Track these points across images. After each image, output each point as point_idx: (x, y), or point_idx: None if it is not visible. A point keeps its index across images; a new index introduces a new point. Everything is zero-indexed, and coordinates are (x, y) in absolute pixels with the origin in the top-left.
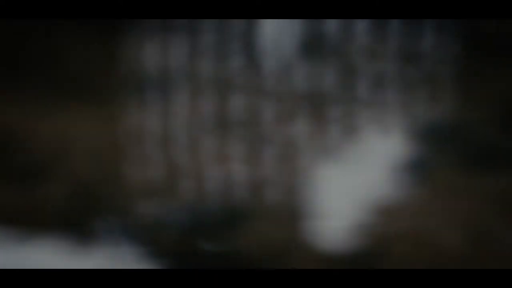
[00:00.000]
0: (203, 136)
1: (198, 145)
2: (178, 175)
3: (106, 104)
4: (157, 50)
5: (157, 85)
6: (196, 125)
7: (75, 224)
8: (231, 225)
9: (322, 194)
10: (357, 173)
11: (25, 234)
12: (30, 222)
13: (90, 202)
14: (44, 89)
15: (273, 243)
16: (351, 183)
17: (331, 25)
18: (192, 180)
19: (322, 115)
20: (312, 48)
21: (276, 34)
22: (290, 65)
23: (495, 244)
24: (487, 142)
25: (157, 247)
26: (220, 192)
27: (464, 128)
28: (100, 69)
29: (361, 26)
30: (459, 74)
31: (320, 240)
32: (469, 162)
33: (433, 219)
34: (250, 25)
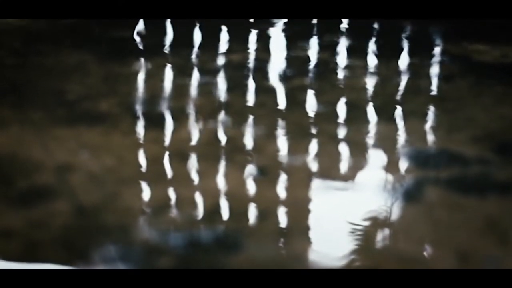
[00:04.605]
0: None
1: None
2: (179, 198)
3: (107, 126)
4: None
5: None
6: (195, 148)
7: (75, 247)
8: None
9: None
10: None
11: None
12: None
13: (90, 225)
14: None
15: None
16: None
17: None
18: (191, 204)
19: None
20: None
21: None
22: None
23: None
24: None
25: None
26: (218, 215)
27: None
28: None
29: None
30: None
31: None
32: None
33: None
34: None
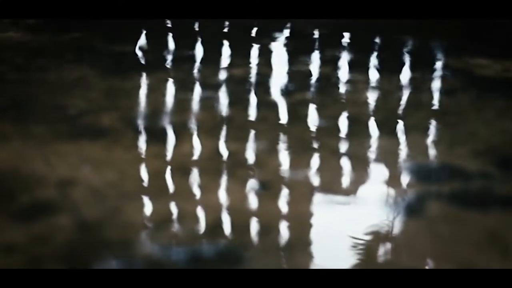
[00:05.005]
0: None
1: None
2: (181, 213)
3: (109, 140)
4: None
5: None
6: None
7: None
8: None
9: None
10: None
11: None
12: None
13: (93, 239)
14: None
15: None
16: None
17: None
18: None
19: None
20: None
21: None
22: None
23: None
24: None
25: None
26: (220, 229)
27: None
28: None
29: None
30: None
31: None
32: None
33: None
34: None
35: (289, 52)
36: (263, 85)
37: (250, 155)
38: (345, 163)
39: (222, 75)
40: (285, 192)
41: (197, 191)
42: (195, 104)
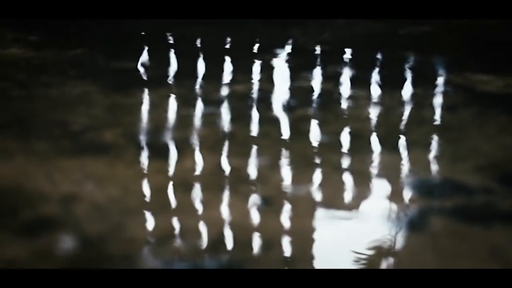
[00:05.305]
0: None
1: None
2: (184, 228)
3: (111, 156)
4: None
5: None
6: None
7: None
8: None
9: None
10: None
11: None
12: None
13: (95, 255)
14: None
15: None
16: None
17: None
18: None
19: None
20: None
21: None
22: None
23: None
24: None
25: None
26: (223, 245)
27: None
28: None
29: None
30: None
31: None
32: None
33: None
34: None
35: (291, 68)
36: (265, 101)
37: (252, 171)
38: (347, 178)
39: (224, 91)
40: (287, 208)
41: (199, 207)
42: (197, 120)
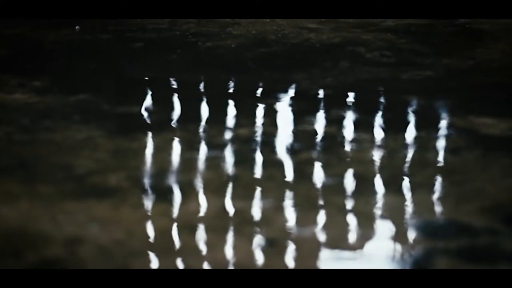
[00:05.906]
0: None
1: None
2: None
3: (116, 199)
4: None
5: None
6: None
7: None
8: None
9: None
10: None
11: None
12: None
13: None
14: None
15: None
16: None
17: None
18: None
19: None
20: None
21: None
22: None
23: None
24: None
25: None
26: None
27: None
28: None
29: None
30: None
31: None
32: None
33: None
34: None
35: (294, 112)
36: (269, 144)
37: (257, 213)
38: (352, 220)
39: (228, 135)
40: (291, 249)
41: (203, 248)
42: (201, 163)
